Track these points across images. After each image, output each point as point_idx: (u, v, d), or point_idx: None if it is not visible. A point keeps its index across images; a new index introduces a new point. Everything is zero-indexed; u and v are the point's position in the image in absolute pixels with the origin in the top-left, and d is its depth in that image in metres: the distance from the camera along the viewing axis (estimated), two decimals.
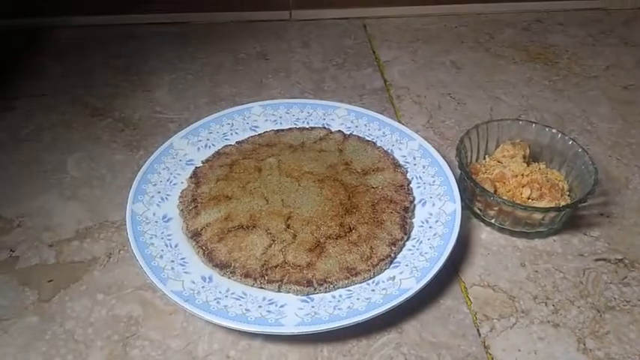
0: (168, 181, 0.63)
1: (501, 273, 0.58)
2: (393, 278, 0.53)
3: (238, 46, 0.94)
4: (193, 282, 0.52)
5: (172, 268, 0.53)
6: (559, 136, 0.66)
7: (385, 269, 0.55)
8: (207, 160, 0.66)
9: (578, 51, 0.96)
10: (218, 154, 0.67)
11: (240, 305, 0.50)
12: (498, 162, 0.66)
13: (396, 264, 0.55)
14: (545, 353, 0.51)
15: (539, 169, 0.64)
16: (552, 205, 0.59)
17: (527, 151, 0.66)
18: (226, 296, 0.51)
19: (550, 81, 0.89)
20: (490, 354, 0.51)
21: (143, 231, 0.56)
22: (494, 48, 0.96)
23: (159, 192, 0.61)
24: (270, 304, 0.51)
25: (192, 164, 0.66)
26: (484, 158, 0.68)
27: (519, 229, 0.61)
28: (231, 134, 0.71)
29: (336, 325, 0.48)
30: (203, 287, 0.52)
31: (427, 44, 0.96)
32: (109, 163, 0.70)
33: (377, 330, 0.52)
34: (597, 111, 0.82)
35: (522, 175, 0.62)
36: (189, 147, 0.68)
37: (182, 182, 0.64)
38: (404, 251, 0.57)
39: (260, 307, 0.50)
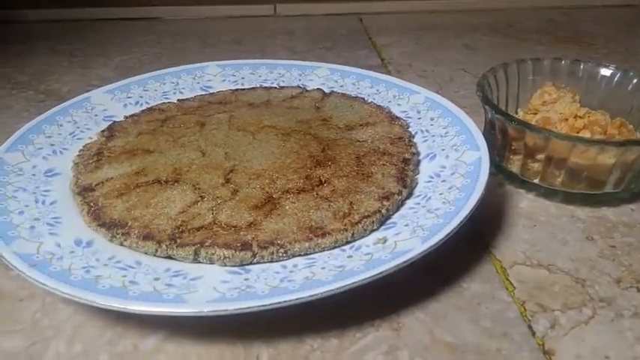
0: (71, 134, 0.45)
1: (558, 249, 0.37)
2: (384, 241, 0.33)
3: (210, 34, 0.80)
4: (59, 245, 0.32)
5: (32, 227, 0.34)
6: (619, 74, 0.47)
7: (372, 230, 0.34)
8: (132, 115, 0.48)
9: (615, 36, 0.80)
10: (150, 109, 0.50)
11: (124, 276, 0.30)
12: (536, 112, 0.46)
13: (391, 225, 0.35)
14: None
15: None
16: None
17: (577, 97, 0.47)
18: (105, 265, 0.31)
19: (589, 58, 0.71)
20: None
21: (7, 182, 0.37)
22: (515, 34, 0.80)
23: (52, 145, 0.43)
24: (175, 276, 0.30)
25: (111, 120, 0.48)
26: (515, 112, 0.49)
27: (578, 190, 0.40)
28: (174, 93, 0.53)
29: (280, 301, 0.27)
30: (72, 252, 0.32)
31: (433, 31, 0.81)
32: (9, 131, 0.52)
33: (357, 324, 0.31)
34: None
35: (576, 117, 0.42)
36: (114, 103, 0.50)
37: (91, 138, 0.45)
38: (403, 210, 0.36)
39: (157, 279, 0.30)
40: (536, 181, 0.42)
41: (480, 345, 0.30)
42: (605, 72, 0.48)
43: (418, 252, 0.30)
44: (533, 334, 0.31)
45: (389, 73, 0.67)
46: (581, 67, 0.49)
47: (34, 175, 0.39)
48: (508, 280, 0.34)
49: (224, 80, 0.56)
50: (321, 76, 0.56)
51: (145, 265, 0.31)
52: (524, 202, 0.42)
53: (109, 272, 0.30)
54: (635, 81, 0.46)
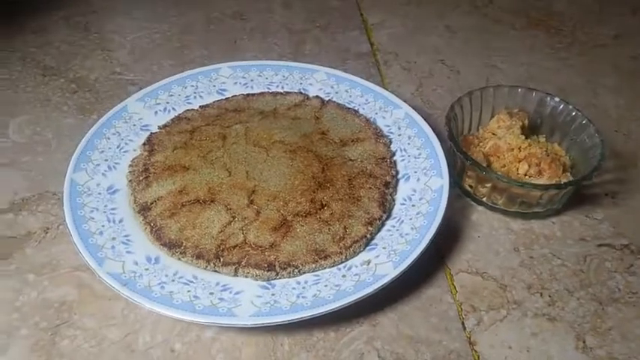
0: (118, 147, 0.55)
1: (492, 258, 0.51)
2: (368, 262, 0.46)
3: (213, 6, 0.86)
4: (136, 263, 0.45)
5: (113, 247, 0.46)
6: (562, 106, 0.58)
7: (359, 252, 0.48)
8: (164, 126, 0.59)
9: (584, 18, 0.88)
10: (178, 119, 0.60)
11: (189, 291, 0.43)
12: (493, 134, 0.58)
13: (373, 246, 0.48)
14: (538, 351, 0.44)
15: (539, 142, 0.57)
16: (553, 182, 0.52)
17: (526, 121, 0.58)
18: (173, 280, 0.44)
19: (553, 49, 0.81)
20: (476, 351, 0.44)
21: (83, 203, 0.49)
22: (493, 13, 0.88)
23: (106, 160, 0.54)
24: (223, 290, 0.44)
25: (147, 130, 0.58)
26: (477, 129, 0.61)
27: (514, 209, 0.54)
28: (195, 98, 0.63)
29: (298, 317, 0.41)
30: (147, 270, 0.45)
31: (419, 7, 0.88)
32: (57, 127, 0.63)
33: (347, 321, 0.45)
34: (603, 82, 0.75)
35: (519, 148, 0.55)
36: (146, 110, 0.60)
37: (134, 150, 0.56)
38: (382, 232, 0.50)
39: (211, 293, 0.43)
40: (484, 199, 0.55)
41: (429, 337, 0.45)
42: (552, 102, 0.59)
43: (392, 277, 0.44)
44: (465, 329, 0.46)
45: (377, 63, 0.76)
46: (533, 95, 0.60)
47: (99, 193, 0.51)
48: (453, 285, 0.49)
49: (236, 83, 0.65)
50: (319, 80, 0.65)
51: (200, 280, 0.45)
52: (474, 215, 0.55)
53: (177, 288, 0.43)
54: (573, 113, 0.57)
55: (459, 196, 0.57)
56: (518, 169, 0.54)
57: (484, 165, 0.54)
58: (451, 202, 0.54)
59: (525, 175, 0.54)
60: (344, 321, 0.45)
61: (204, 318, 0.41)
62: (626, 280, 0.50)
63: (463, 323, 0.46)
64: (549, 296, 0.48)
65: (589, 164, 0.53)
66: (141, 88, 0.66)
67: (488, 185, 0.53)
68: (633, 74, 0.76)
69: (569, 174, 0.54)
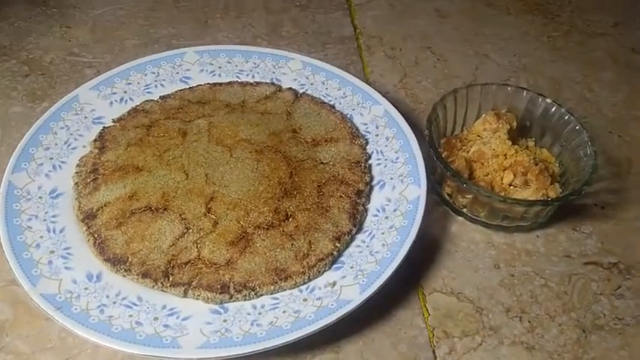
0: (66, 144, 0.50)
1: (470, 276, 0.47)
2: (333, 284, 0.42)
3: None
4: (75, 281, 0.41)
5: (50, 262, 0.41)
6: (554, 108, 0.53)
7: (324, 271, 0.43)
8: (119, 119, 0.53)
9: (583, 3, 0.82)
10: (135, 111, 0.54)
11: (131, 316, 0.39)
12: (478, 136, 0.54)
13: (340, 264, 0.44)
14: None
15: (527, 147, 0.53)
16: (538, 195, 0.48)
17: (514, 124, 0.54)
18: (114, 302, 0.40)
19: (548, 37, 0.75)
20: None
21: (20, 210, 0.44)
22: None
23: (51, 158, 0.49)
24: (170, 314, 0.40)
25: (100, 123, 0.53)
26: (462, 130, 0.56)
27: (497, 223, 0.50)
28: (156, 87, 0.57)
29: (250, 350, 0.37)
30: (86, 289, 0.40)
31: None
32: (3, 116, 0.57)
33: (307, 348, 0.41)
34: (600, 76, 0.69)
35: (505, 155, 0.50)
36: (100, 101, 0.54)
37: (84, 146, 0.51)
38: (351, 247, 0.45)
39: (156, 319, 0.39)
40: (464, 210, 0.50)
41: None
42: (543, 103, 0.54)
43: (357, 303, 0.40)
44: (435, 358, 0.42)
45: (359, 48, 0.70)
46: (524, 94, 0.55)
47: (40, 197, 0.46)
48: (425, 307, 0.45)
49: (202, 70, 0.59)
50: (294, 69, 0.60)
51: (145, 302, 0.40)
52: (453, 226, 0.51)
53: (118, 312, 0.39)
54: (566, 117, 0.53)
55: (438, 203, 0.52)
56: (502, 178, 0.50)
57: (467, 172, 0.50)
58: (428, 211, 0.50)
59: (510, 185, 0.49)
60: (303, 347, 0.41)
61: (145, 350, 0.37)
62: (612, 305, 0.46)
63: (434, 352, 0.42)
64: (529, 321, 0.45)
65: (580, 175, 0.49)
66: (99, 72, 0.61)
67: (469, 197, 0.49)
68: (633, 68, 0.71)
69: (557, 185, 0.50)
